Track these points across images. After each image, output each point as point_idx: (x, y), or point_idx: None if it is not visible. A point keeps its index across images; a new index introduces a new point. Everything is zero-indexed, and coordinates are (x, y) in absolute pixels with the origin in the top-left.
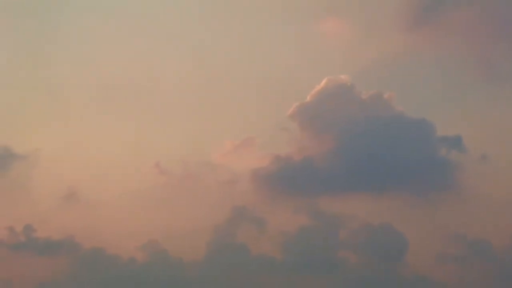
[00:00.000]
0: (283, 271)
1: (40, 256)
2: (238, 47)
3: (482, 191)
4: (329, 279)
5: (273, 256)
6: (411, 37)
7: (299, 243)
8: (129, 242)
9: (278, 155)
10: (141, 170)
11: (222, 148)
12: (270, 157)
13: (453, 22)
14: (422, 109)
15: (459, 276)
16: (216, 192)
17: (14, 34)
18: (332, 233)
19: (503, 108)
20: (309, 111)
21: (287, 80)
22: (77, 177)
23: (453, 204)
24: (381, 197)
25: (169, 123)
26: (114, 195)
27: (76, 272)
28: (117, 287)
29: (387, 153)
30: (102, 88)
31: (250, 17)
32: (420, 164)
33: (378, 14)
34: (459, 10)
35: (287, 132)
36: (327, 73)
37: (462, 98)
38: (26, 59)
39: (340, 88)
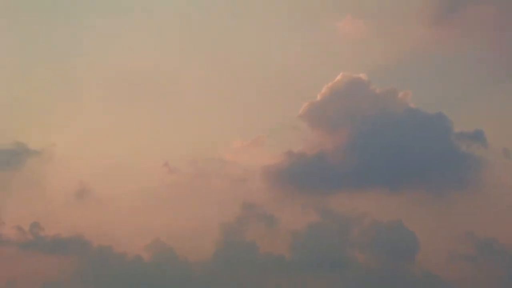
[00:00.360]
0: (292, 269)
1: (48, 254)
2: (252, 46)
3: (504, 187)
4: (339, 278)
5: (283, 254)
6: (428, 34)
7: (309, 241)
8: (137, 241)
9: (288, 153)
10: (152, 168)
11: (233, 147)
12: (281, 155)
13: (471, 19)
14: (439, 105)
15: (473, 275)
16: (226, 190)
17: (28, 30)
18: (343, 231)
19: None
20: (321, 108)
21: (302, 78)
22: (89, 174)
23: (469, 201)
24: (395, 195)
25: (180, 122)
26: (125, 193)
27: (84, 271)
28: (126, 286)
29: (402, 149)
30: (115, 85)
31: (266, 16)
32: (437, 160)
33: (395, 12)
34: (477, 7)
35: (298, 131)
36: (342, 71)
37: (481, 94)
38: (40, 55)
39: (353, 84)
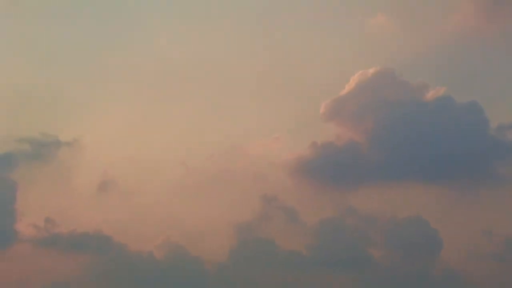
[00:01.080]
0: (312, 267)
1: (65, 252)
2: (282, 42)
3: None
4: (359, 276)
5: (302, 251)
6: (461, 29)
7: (328, 238)
8: (153, 238)
9: (313, 146)
10: (174, 164)
11: (258, 142)
12: (305, 150)
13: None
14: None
15: (498, 274)
16: (247, 185)
17: (61, 24)
18: (365, 228)
19: None
20: (347, 102)
21: (330, 73)
22: (113, 166)
23: (499, 197)
24: (421, 189)
25: (206, 119)
26: (147, 187)
27: (95, 270)
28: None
29: (434, 142)
30: (145, 80)
31: (297, 13)
32: (473, 153)
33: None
34: None
35: (323, 124)
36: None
37: None
38: (73, 48)
39: (382, 76)
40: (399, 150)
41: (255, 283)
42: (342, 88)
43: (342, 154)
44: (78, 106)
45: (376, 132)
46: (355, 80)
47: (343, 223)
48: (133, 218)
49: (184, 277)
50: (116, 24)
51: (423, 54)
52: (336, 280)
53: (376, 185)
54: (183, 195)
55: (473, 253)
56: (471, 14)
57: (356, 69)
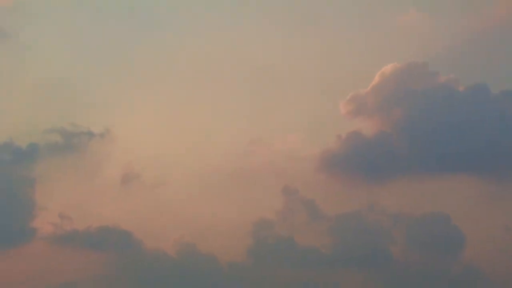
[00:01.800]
0: (331, 264)
1: (82, 248)
2: (313, 38)
3: None
4: (378, 273)
5: (321, 248)
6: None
7: (349, 234)
8: (172, 235)
9: (336, 141)
10: (197, 161)
11: (281, 139)
12: (326, 145)
13: None
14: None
15: None
16: (268, 185)
17: (95, 17)
18: (387, 224)
19: None
20: (371, 96)
21: (357, 70)
22: (137, 161)
23: None
24: (445, 185)
25: (230, 116)
26: (168, 184)
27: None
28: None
29: (460, 134)
30: (178, 73)
31: (326, 11)
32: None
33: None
34: None
35: (348, 120)
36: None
37: None
38: (106, 40)
39: (408, 69)
40: (427, 142)
41: (273, 283)
42: (369, 83)
43: (367, 148)
44: (109, 99)
45: (405, 125)
46: (385, 74)
47: (366, 218)
48: (152, 215)
49: (201, 276)
50: (152, 20)
51: (456, 48)
52: (355, 278)
53: (402, 179)
54: (204, 192)
55: (497, 250)
56: (504, 5)
57: (387, 64)
